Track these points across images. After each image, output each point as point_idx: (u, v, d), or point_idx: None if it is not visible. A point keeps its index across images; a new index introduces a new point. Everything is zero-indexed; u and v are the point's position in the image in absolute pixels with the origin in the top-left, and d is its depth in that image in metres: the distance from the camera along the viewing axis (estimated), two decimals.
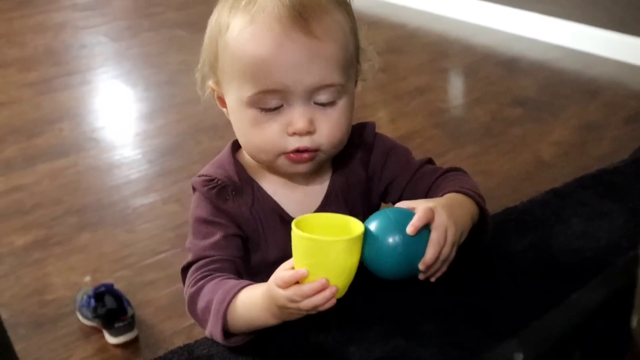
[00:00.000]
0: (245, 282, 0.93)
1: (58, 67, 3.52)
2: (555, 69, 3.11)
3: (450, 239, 0.87)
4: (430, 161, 1.10)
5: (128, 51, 3.75)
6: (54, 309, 1.87)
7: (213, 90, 1.02)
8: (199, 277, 0.96)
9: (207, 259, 0.98)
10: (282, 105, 0.93)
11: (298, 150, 0.95)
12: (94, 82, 3.42)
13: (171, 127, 2.85)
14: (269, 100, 0.93)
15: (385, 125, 2.68)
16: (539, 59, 3.22)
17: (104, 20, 4.18)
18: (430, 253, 0.86)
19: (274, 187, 1.04)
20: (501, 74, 3.11)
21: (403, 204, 0.90)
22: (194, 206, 1.03)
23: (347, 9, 0.97)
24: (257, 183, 1.04)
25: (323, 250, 0.82)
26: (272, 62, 0.90)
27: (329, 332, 0.93)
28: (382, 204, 1.11)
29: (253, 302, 0.89)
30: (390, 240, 0.84)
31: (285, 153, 0.96)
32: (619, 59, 3.08)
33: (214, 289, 0.93)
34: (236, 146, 1.05)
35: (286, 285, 0.83)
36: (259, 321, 0.90)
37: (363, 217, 0.95)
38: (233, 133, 1.01)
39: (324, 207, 1.05)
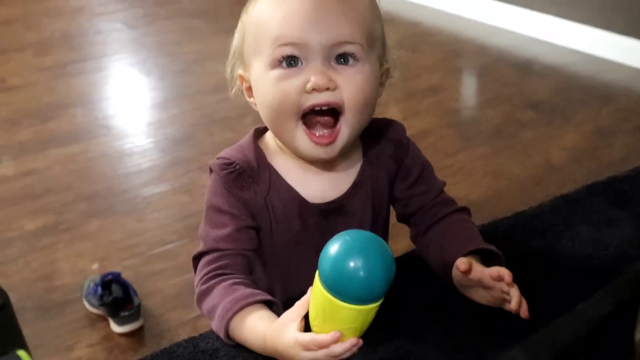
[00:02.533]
0: (255, 295, 0.92)
1: (73, 53, 3.54)
2: (569, 73, 3.10)
3: (509, 279, 0.89)
4: (444, 184, 1.12)
5: (144, 39, 3.76)
6: (61, 295, 1.88)
7: (241, 80, 1.02)
8: (210, 275, 0.96)
9: (219, 253, 0.98)
10: (300, 62, 0.94)
11: (313, 110, 0.94)
12: (109, 69, 3.43)
13: (184, 117, 2.86)
14: (289, 55, 0.93)
15: None
16: (553, 63, 3.21)
17: (120, 6, 4.19)
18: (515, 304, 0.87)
19: (295, 173, 1.03)
20: (515, 76, 3.10)
21: (476, 273, 0.92)
22: (210, 191, 1.03)
23: None
24: (274, 170, 1.03)
25: (360, 316, 0.81)
26: (291, 15, 0.93)
27: None
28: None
29: (256, 335, 0.89)
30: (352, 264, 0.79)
31: (306, 125, 0.95)
32: (634, 65, 3.07)
33: (223, 294, 0.93)
34: (258, 133, 1.05)
35: (317, 346, 0.82)
36: (257, 351, 0.90)
37: (387, 212, 1.01)
38: (245, 126, 1.01)
39: (349, 196, 1.04)
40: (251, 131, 1.06)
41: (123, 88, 3.23)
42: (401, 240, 1.54)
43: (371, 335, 0.91)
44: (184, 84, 3.16)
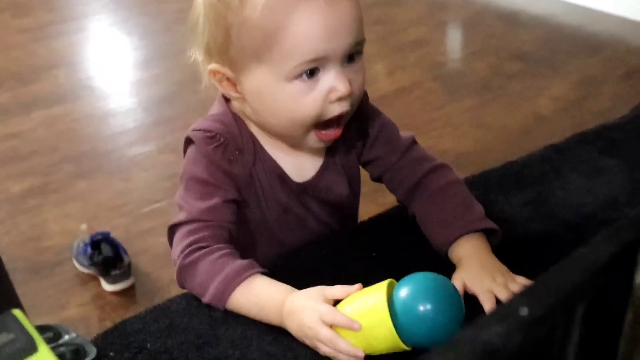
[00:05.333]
0: (254, 265, 0.92)
1: (53, 14, 3.48)
2: (555, 24, 3.08)
3: (503, 296, 0.88)
4: (414, 141, 1.08)
5: None
6: (51, 255, 1.88)
7: (215, 74, 0.96)
8: (193, 248, 0.94)
9: (201, 223, 0.95)
10: (318, 71, 0.90)
11: (340, 116, 0.93)
12: (90, 30, 3.38)
13: (167, 76, 2.82)
14: (309, 69, 0.90)
15: (384, 78, 2.66)
16: (540, 13, 3.19)
17: None
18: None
19: (273, 149, 1.01)
20: (501, 27, 3.08)
21: (457, 284, 0.88)
22: (191, 162, 0.99)
23: None
24: (258, 141, 1.01)
25: (388, 341, 0.81)
26: (315, 29, 0.87)
27: None
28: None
29: (269, 302, 0.89)
30: (421, 308, 0.80)
31: (318, 127, 0.94)
32: (620, 15, 3.06)
33: (215, 268, 0.91)
34: (226, 98, 1.01)
35: (334, 324, 0.82)
36: (269, 319, 0.89)
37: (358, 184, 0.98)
38: None
39: (322, 173, 1.04)
40: (219, 98, 1.02)
41: (105, 48, 3.19)
42: (390, 195, 1.53)
43: None
44: (166, 43, 3.12)
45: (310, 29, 0.87)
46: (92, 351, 0.63)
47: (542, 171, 1.19)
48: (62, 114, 2.56)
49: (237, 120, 1.00)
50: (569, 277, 0.40)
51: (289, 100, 0.92)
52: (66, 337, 0.65)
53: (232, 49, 0.92)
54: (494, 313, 0.37)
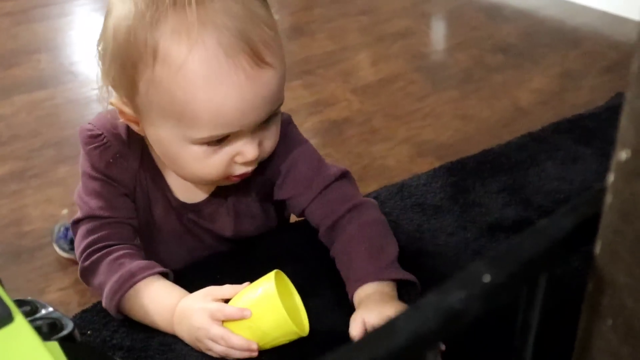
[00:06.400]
0: (144, 269, 0.89)
1: None
2: (537, 17, 3.10)
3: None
4: (340, 176, 1.00)
5: None
6: (32, 240, 1.87)
7: (117, 106, 0.91)
8: (93, 249, 0.92)
9: (98, 221, 0.94)
10: (228, 136, 0.86)
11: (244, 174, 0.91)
12: (73, 14, 3.36)
13: None
14: (217, 139, 0.86)
15: (367, 67, 2.67)
16: (522, 7, 3.21)
17: None
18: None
19: (162, 163, 0.97)
20: (483, 20, 3.10)
21: (356, 325, 0.83)
22: (81, 157, 0.97)
23: (265, 4, 0.87)
24: (147, 149, 0.97)
25: (282, 327, 0.81)
26: (228, 108, 0.82)
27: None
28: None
29: (159, 309, 0.87)
30: None
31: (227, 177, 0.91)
32: (601, 9, 3.08)
33: (109, 270, 0.89)
34: None
35: (224, 318, 0.81)
36: (158, 327, 0.88)
37: (257, 222, 0.99)
38: None
39: (206, 204, 1.00)
40: None
41: (88, 33, 3.17)
42: (372, 183, 1.55)
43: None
44: None
45: (224, 108, 0.81)
46: (69, 325, 0.63)
47: (519, 159, 1.21)
48: (44, 98, 2.55)
49: (130, 127, 0.95)
50: (532, 246, 0.41)
51: (192, 160, 0.87)
52: (43, 311, 0.66)
53: (138, 98, 0.86)
54: (457, 279, 0.39)
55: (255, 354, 0.81)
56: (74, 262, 1.78)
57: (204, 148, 0.86)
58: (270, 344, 0.82)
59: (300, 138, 1.01)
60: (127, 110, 0.90)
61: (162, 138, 0.88)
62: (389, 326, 0.36)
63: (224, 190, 0.99)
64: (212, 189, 1.00)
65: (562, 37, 2.90)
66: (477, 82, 2.59)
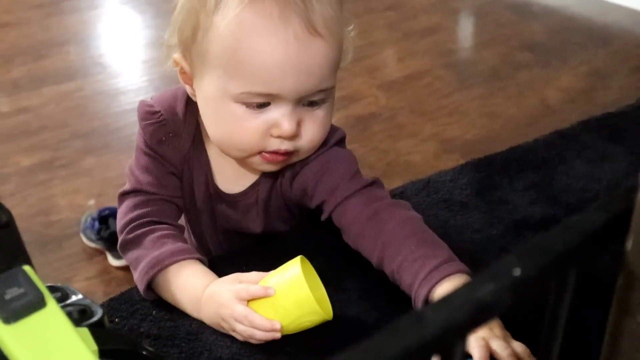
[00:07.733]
0: (182, 252, 0.90)
1: None
2: (566, 15, 3.08)
3: (497, 347, 0.75)
4: (374, 182, 0.96)
5: None
6: (59, 230, 1.90)
7: (176, 64, 0.94)
8: (137, 224, 0.93)
9: (145, 196, 0.95)
10: (269, 104, 0.87)
11: (277, 152, 0.91)
12: (103, 7, 3.39)
13: None
14: (258, 99, 0.87)
15: (394, 64, 2.67)
16: (551, 4, 3.18)
17: None
18: None
19: (213, 150, 0.99)
20: (512, 17, 3.08)
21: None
22: (138, 131, 0.99)
23: None
24: (200, 133, 0.98)
25: (305, 305, 0.81)
26: (271, 63, 0.83)
27: None
28: None
29: (189, 290, 0.88)
30: None
31: (261, 152, 0.91)
32: (632, 7, 3.05)
33: (152, 246, 0.91)
34: None
35: (248, 296, 0.81)
36: (185, 309, 0.89)
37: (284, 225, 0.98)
38: None
39: (243, 195, 1.01)
40: None
41: (117, 26, 3.20)
42: (397, 179, 1.55)
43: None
44: None
45: (267, 61, 0.83)
46: (99, 312, 0.64)
47: (547, 157, 1.20)
48: (73, 90, 2.58)
49: (190, 104, 0.97)
50: (563, 241, 0.41)
51: (230, 119, 0.88)
52: (73, 297, 0.67)
53: (195, 48, 0.89)
54: (487, 272, 0.39)
55: (278, 335, 0.81)
56: (100, 252, 1.81)
57: (243, 109, 0.87)
58: (293, 324, 0.83)
59: (342, 156, 0.97)
60: (185, 65, 0.92)
61: (208, 92, 0.90)
62: (419, 316, 0.36)
63: (260, 188, 1.00)
64: (249, 182, 1.00)
65: (591, 35, 2.88)
66: (504, 79, 2.58)
